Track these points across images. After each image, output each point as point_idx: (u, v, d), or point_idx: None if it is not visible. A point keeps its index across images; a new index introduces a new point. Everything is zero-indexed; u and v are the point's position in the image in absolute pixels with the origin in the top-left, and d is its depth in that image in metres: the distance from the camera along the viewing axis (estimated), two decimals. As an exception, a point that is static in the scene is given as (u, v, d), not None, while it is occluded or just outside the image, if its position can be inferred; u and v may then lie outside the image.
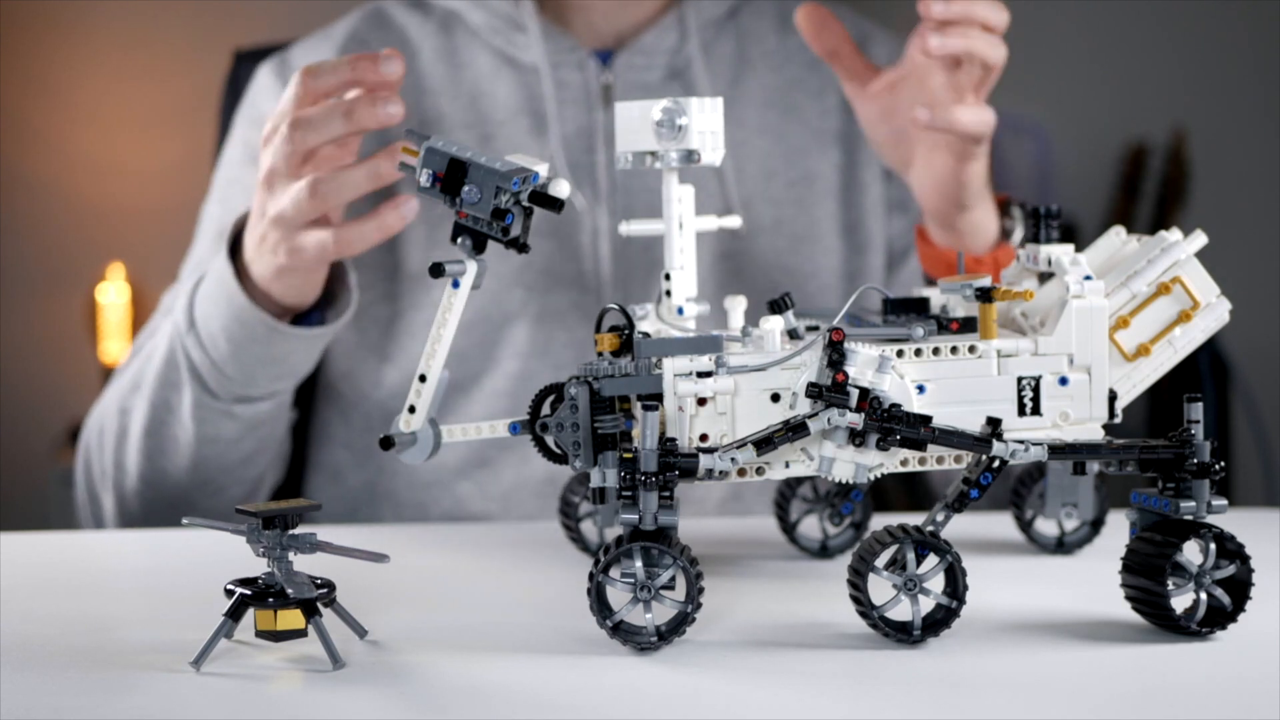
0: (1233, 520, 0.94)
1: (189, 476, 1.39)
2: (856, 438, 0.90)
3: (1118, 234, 1.00)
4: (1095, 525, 1.13)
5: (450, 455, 1.47)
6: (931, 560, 0.89)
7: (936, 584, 0.89)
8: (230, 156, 1.52)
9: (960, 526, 1.09)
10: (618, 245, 1.47)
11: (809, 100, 1.53)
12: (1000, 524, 1.19)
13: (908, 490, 1.76)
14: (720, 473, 0.89)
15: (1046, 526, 1.14)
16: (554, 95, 1.47)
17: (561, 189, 0.94)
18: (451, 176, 0.94)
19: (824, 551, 1.14)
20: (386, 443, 0.97)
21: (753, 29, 1.54)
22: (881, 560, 0.89)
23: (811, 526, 1.15)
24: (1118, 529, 1.00)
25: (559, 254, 1.46)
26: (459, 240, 0.95)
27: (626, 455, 0.87)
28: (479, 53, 1.50)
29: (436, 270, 0.94)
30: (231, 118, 1.57)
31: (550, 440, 0.94)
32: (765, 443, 0.89)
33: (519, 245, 0.95)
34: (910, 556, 0.89)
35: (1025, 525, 1.14)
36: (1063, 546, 1.13)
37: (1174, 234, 0.96)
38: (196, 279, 1.37)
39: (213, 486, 1.40)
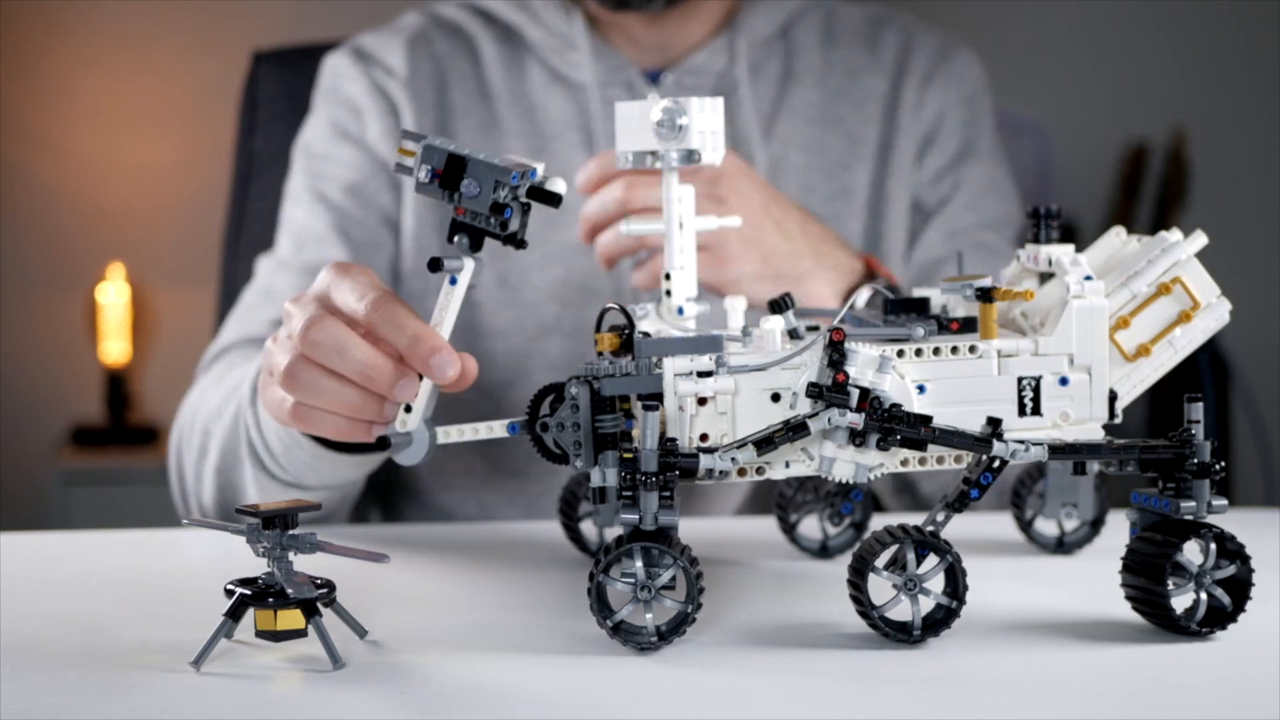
0: (1233, 520, 0.94)
1: None
2: (857, 438, 0.90)
3: (1118, 234, 1.00)
4: (1095, 525, 1.13)
5: (468, 507, 1.48)
6: (931, 560, 0.89)
7: (936, 584, 0.89)
8: (319, 134, 1.52)
9: (960, 526, 1.09)
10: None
11: (850, 111, 1.53)
12: (1000, 524, 1.19)
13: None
14: (720, 473, 0.89)
15: (1046, 526, 1.14)
16: (602, 114, 1.48)
17: (559, 185, 0.94)
18: (450, 172, 0.94)
19: (824, 551, 1.14)
20: (382, 443, 0.96)
21: (800, 43, 1.55)
22: (881, 560, 0.89)
23: (811, 526, 1.15)
24: (1118, 529, 1.00)
25: (596, 269, 1.46)
26: (456, 238, 0.95)
27: (627, 455, 0.87)
28: (533, 66, 1.52)
29: (435, 265, 0.94)
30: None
31: (550, 440, 0.94)
32: (765, 443, 0.89)
33: (516, 241, 0.95)
34: (910, 556, 0.89)
35: (1025, 525, 1.14)
36: (1063, 546, 1.13)
37: (1174, 234, 0.96)
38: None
39: None
